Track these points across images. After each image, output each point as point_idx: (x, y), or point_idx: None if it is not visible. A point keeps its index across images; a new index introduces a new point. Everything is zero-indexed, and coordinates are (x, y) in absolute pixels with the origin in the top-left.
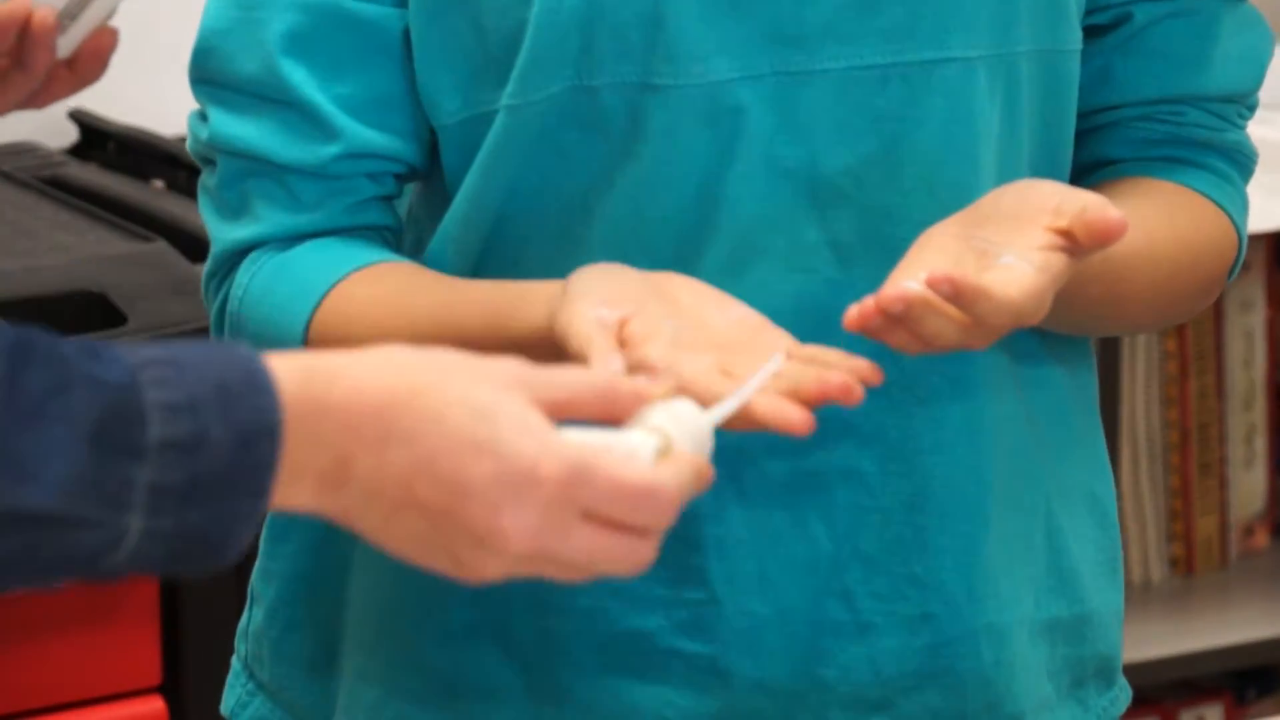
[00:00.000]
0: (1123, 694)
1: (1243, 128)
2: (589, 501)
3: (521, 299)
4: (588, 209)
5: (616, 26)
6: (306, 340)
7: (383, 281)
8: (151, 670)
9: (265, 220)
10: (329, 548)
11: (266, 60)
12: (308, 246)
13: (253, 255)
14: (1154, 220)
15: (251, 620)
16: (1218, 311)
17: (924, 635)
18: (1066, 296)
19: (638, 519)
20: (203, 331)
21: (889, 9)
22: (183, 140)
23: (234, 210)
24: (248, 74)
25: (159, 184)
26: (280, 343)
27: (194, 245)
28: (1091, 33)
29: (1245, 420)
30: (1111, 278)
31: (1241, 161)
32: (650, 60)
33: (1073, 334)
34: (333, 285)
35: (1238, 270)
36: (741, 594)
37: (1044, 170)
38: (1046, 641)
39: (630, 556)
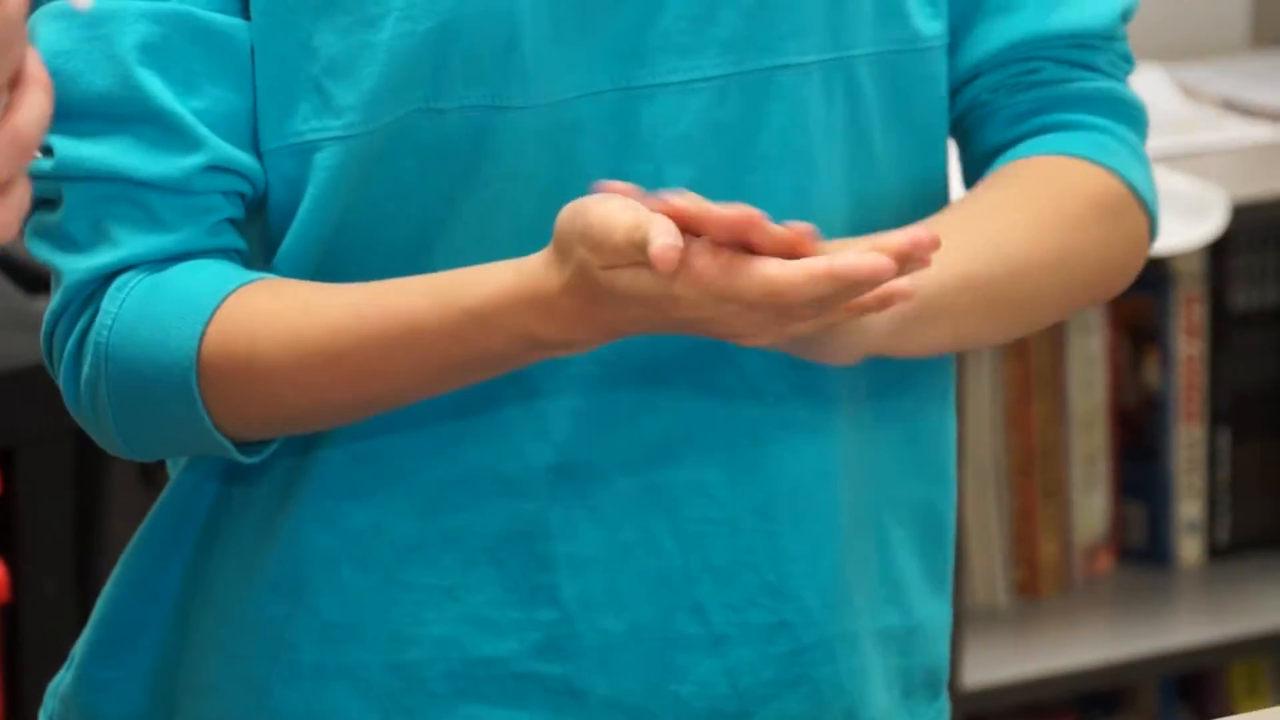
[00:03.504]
0: (946, 707)
1: (1118, 78)
2: None
3: (470, 271)
4: (427, 240)
5: (471, 48)
6: (200, 359)
7: (282, 291)
8: None
9: (125, 244)
10: (154, 599)
11: (121, 73)
12: (182, 268)
13: (118, 283)
14: (982, 205)
15: (61, 681)
16: (1058, 335)
17: (780, 643)
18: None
19: None
20: None
21: (725, 20)
22: None
23: (84, 242)
24: (98, 92)
25: None
26: (166, 365)
27: None
28: None
29: (1087, 444)
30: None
31: (1120, 109)
32: (503, 82)
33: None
34: (224, 299)
35: (1157, 224)
36: (594, 611)
37: (912, 172)
38: (881, 651)
39: None
